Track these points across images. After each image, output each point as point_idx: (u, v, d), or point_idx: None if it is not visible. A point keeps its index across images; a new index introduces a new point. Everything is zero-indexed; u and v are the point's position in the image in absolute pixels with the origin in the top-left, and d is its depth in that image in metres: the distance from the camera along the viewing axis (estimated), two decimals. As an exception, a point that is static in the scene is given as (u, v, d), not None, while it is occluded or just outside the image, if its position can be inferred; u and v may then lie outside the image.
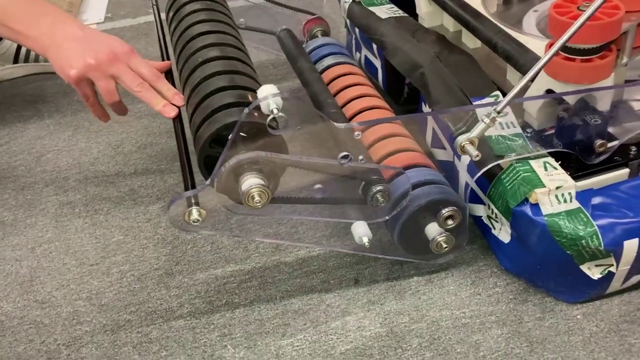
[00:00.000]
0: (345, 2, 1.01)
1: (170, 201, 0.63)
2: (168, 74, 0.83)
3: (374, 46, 0.98)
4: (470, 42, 0.95)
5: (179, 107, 0.76)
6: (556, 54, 0.61)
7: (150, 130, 1.10)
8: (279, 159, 0.63)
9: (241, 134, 0.65)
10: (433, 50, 0.84)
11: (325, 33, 1.06)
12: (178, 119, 0.75)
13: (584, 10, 0.62)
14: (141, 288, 0.80)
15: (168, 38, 0.93)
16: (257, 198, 0.62)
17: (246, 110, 0.60)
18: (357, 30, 1.04)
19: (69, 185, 0.99)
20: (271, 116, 0.59)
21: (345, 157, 0.63)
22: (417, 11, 1.02)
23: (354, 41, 1.11)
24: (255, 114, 0.63)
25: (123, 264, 0.84)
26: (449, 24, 0.99)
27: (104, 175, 1.01)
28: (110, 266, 0.84)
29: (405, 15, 0.97)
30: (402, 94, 0.98)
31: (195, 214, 0.62)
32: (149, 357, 0.72)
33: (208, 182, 0.62)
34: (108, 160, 1.04)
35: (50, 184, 1.00)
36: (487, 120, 0.63)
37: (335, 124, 0.62)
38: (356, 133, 0.63)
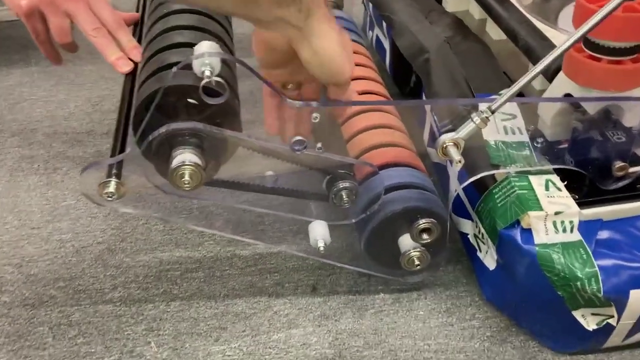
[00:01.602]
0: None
1: (84, 167, 0.53)
2: (135, 29, 0.73)
3: (385, 25, 0.87)
4: (494, 32, 0.82)
5: (135, 63, 0.66)
6: (571, 47, 0.49)
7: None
8: (220, 134, 0.53)
9: (190, 100, 0.54)
10: (444, 35, 0.72)
11: (338, 6, 0.94)
12: (130, 76, 0.65)
13: (618, -1, 0.50)
14: (77, 262, 0.71)
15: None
16: (186, 178, 0.52)
17: (174, 69, 0.49)
18: (370, 6, 0.92)
19: (36, 138, 0.91)
20: (205, 80, 0.48)
21: (299, 142, 0.52)
22: (442, -8, 0.90)
23: (367, 18, 0.99)
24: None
25: (66, 232, 0.75)
26: (475, 11, 0.87)
27: (74, 132, 0.92)
28: (52, 232, 0.75)
29: (425, -7, 0.85)
30: (409, 82, 0.86)
31: (112, 186, 0.52)
32: (63, 342, 0.63)
33: (129, 150, 0.51)
34: (83, 117, 0.95)
35: (17, 134, 0.92)
36: (477, 120, 0.52)
37: (289, 101, 0.50)
38: (314, 115, 0.51)
